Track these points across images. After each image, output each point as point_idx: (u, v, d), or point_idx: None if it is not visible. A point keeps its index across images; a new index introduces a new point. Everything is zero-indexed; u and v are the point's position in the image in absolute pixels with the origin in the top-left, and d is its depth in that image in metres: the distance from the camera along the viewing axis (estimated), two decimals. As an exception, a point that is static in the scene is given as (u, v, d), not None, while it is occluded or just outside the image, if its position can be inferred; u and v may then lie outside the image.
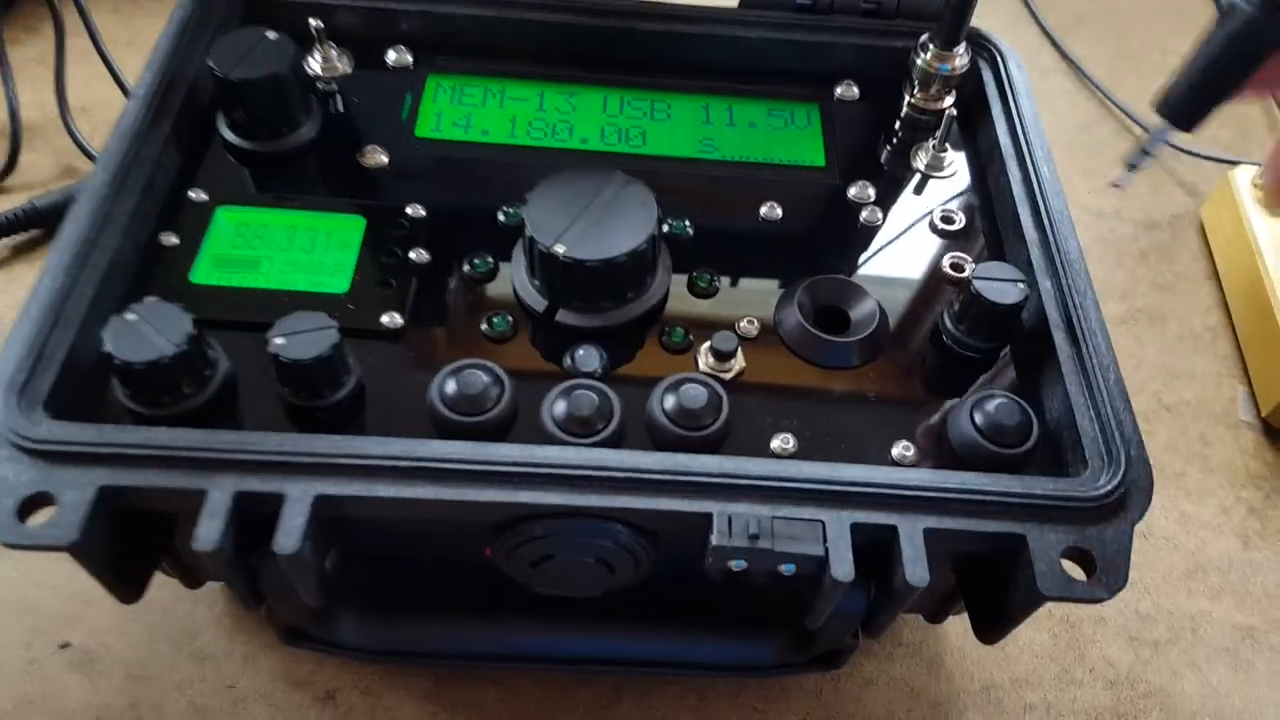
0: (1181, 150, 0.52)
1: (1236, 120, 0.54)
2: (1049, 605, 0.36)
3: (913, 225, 0.34)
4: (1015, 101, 0.35)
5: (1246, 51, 0.23)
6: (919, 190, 0.35)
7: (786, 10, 0.38)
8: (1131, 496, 0.26)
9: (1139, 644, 0.37)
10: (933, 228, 0.34)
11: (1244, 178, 0.47)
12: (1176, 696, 0.36)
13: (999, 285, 0.29)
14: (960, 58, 0.36)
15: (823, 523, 0.25)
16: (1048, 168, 0.33)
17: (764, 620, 0.31)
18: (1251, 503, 0.41)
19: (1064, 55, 0.58)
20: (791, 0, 0.38)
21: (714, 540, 0.25)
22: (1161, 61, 0.57)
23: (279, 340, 0.26)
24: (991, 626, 0.28)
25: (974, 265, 0.32)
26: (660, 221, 0.30)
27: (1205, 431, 0.43)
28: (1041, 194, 0.32)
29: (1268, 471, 0.42)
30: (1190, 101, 0.26)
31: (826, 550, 0.25)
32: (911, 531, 0.25)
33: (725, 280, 0.32)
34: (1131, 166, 0.31)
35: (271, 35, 0.33)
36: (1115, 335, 0.45)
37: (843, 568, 0.24)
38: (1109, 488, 0.26)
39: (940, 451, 0.28)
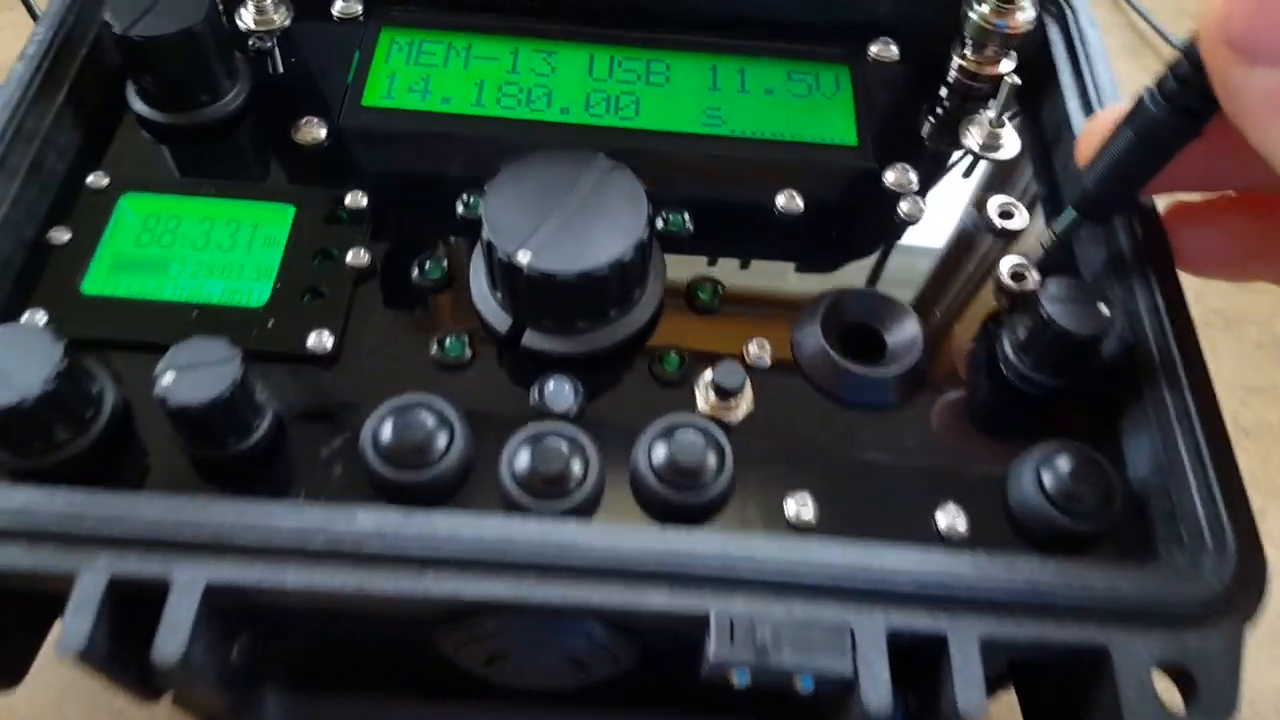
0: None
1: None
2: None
3: (964, 221, 0.28)
4: (1090, 67, 0.29)
5: (1152, 150, 0.22)
6: (969, 175, 0.29)
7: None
8: (1244, 591, 0.20)
9: None
10: (988, 225, 0.28)
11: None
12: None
13: (1076, 309, 0.23)
14: (1024, 12, 0.29)
15: (851, 629, 0.20)
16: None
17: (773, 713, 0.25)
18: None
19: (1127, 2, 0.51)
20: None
21: (712, 652, 0.19)
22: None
23: (166, 379, 0.21)
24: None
25: (1040, 277, 0.26)
26: (652, 220, 0.24)
27: (1290, 454, 0.37)
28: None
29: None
30: (1100, 196, 0.24)
31: (856, 668, 0.19)
32: (965, 642, 0.20)
33: (731, 292, 0.26)
34: (1044, 255, 0.26)
35: (186, -21, 0.27)
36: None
37: (877, 691, 0.19)
38: (1216, 583, 0.20)
39: (997, 521, 0.23)
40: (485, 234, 0.23)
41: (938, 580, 0.20)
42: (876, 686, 0.19)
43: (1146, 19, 0.51)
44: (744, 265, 0.27)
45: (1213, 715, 0.19)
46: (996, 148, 0.30)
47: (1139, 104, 0.22)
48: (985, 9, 0.29)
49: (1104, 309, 0.23)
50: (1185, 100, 0.21)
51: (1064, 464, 0.22)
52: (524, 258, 0.22)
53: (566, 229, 0.23)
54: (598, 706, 0.26)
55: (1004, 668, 0.24)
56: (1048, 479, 0.22)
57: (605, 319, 0.24)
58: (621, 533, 0.20)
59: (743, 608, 0.20)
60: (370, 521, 0.20)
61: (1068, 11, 0.30)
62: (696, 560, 0.20)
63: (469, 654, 0.21)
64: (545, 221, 0.23)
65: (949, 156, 0.30)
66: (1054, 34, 0.30)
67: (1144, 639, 0.20)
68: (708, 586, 0.20)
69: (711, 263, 0.27)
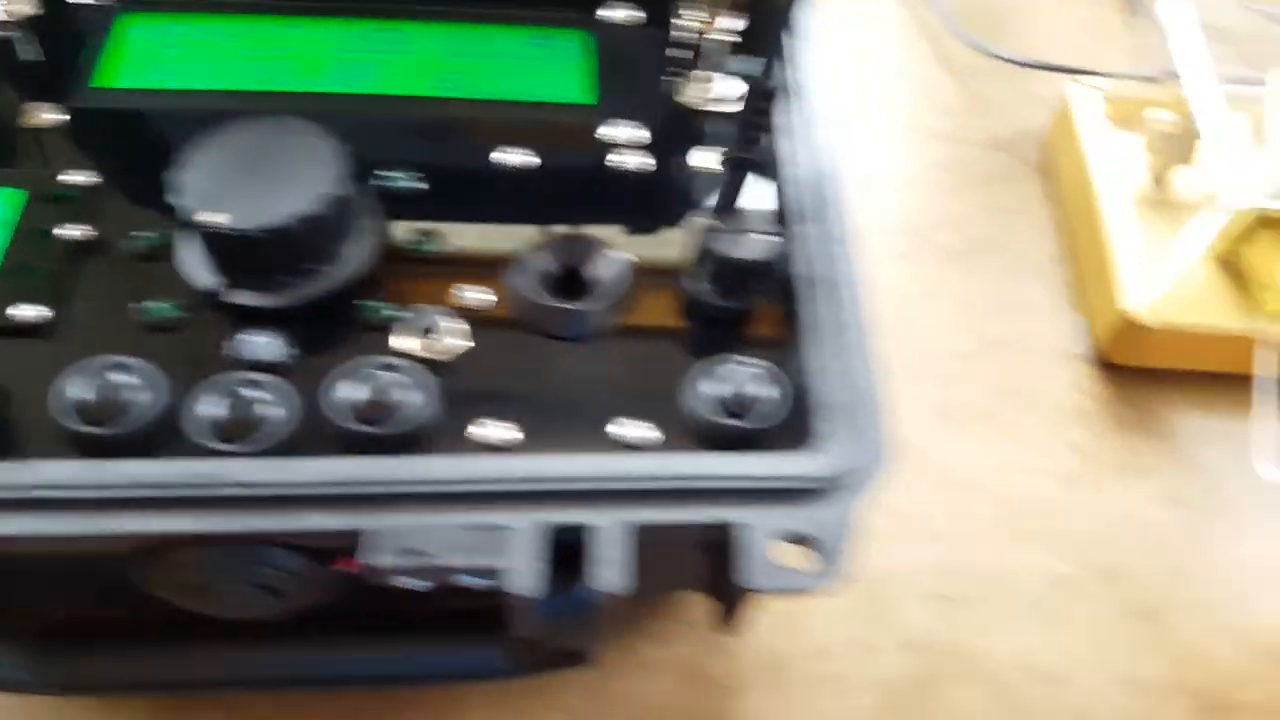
0: (1025, 65, 0.49)
1: (1092, 27, 0.51)
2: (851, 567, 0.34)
3: (685, 171, 0.30)
4: (801, 19, 0.31)
5: None
6: (696, 130, 0.31)
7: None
8: (863, 473, 0.23)
9: (944, 603, 0.34)
10: (704, 173, 0.30)
11: (1081, 91, 0.44)
12: (981, 656, 0.33)
13: (739, 237, 0.25)
14: (729, -30, 0.31)
15: (506, 529, 0.22)
16: (828, 101, 0.30)
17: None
18: (1076, 442, 0.38)
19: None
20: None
21: (367, 559, 0.21)
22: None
23: None
24: (723, 617, 0.25)
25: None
26: (348, 177, 0.26)
27: (1034, 368, 0.40)
28: (813, 132, 0.29)
29: (1097, 407, 0.39)
30: None
31: (507, 562, 0.21)
32: (608, 530, 0.22)
33: (457, 244, 0.28)
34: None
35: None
36: (947, 269, 0.43)
37: (527, 581, 0.21)
38: (832, 465, 0.23)
39: (679, 429, 0.25)
40: (173, 197, 0.24)
41: (587, 478, 0.22)
42: (527, 576, 0.21)
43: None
44: (474, 219, 0.29)
45: (827, 575, 0.22)
46: (715, 102, 0.32)
47: None
48: (695, -34, 0.31)
49: (768, 239, 0.25)
50: None
51: (728, 373, 0.24)
52: (208, 216, 0.24)
53: (254, 188, 0.25)
54: (334, 635, 0.28)
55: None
56: (715, 388, 0.24)
57: (309, 273, 0.26)
58: (288, 464, 0.22)
59: (406, 520, 0.22)
60: (57, 471, 0.21)
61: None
62: (359, 481, 0.22)
63: (175, 590, 0.23)
64: (236, 182, 0.25)
65: (675, 113, 0.32)
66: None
67: (767, 513, 0.22)
68: (367, 504, 0.22)
69: (443, 218, 0.29)
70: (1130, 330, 0.38)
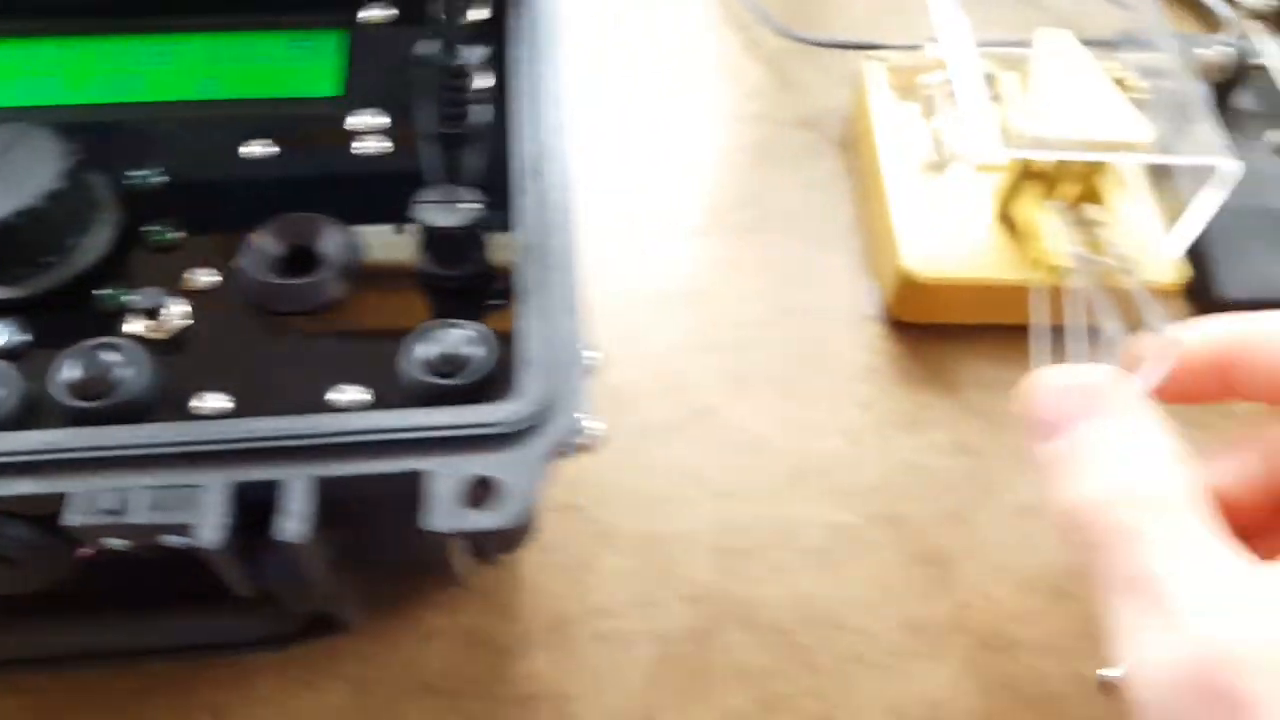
0: (827, 45, 0.51)
1: (894, 4, 0.53)
2: (633, 524, 0.35)
3: (416, 150, 0.32)
4: (536, 6, 0.33)
5: None
6: (431, 112, 0.33)
7: (296, -75, 0.35)
8: (552, 421, 0.24)
9: (727, 555, 0.36)
10: (430, 150, 0.31)
11: (873, 66, 0.46)
12: (759, 604, 0.35)
13: (442, 208, 0.27)
14: (469, -36, 0.33)
15: (197, 487, 0.23)
16: (556, 78, 0.31)
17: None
18: (862, 398, 0.40)
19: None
20: (304, -83, 0.35)
21: (66, 520, 0.22)
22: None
23: None
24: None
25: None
26: (70, 175, 0.27)
27: (827, 332, 0.42)
28: (538, 108, 0.30)
29: (884, 364, 0.41)
30: None
31: (195, 518, 0.22)
32: (299, 485, 0.23)
33: (199, 233, 0.29)
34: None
35: None
36: (748, 242, 0.45)
37: (209, 534, 0.22)
38: (521, 412, 0.24)
39: (394, 392, 0.26)
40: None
41: (275, 437, 0.23)
42: (210, 530, 0.22)
43: None
44: (214, 208, 0.30)
45: (508, 516, 0.23)
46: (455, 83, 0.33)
47: None
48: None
49: (468, 208, 0.27)
50: None
51: (436, 335, 0.26)
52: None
53: (-23, 187, 0.26)
54: (87, 612, 0.29)
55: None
56: (423, 349, 0.26)
57: (46, 265, 0.27)
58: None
59: (104, 483, 0.23)
60: None
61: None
62: (63, 449, 0.23)
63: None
64: (-41, 183, 0.26)
65: (418, 98, 0.33)
66: (511, -19, 0.34)
67: (455, 461, 0.24)
68: (70, 469, 0.23)
69: (192, 210, 0.30)
70: (911, 288, 0.40)
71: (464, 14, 0.25)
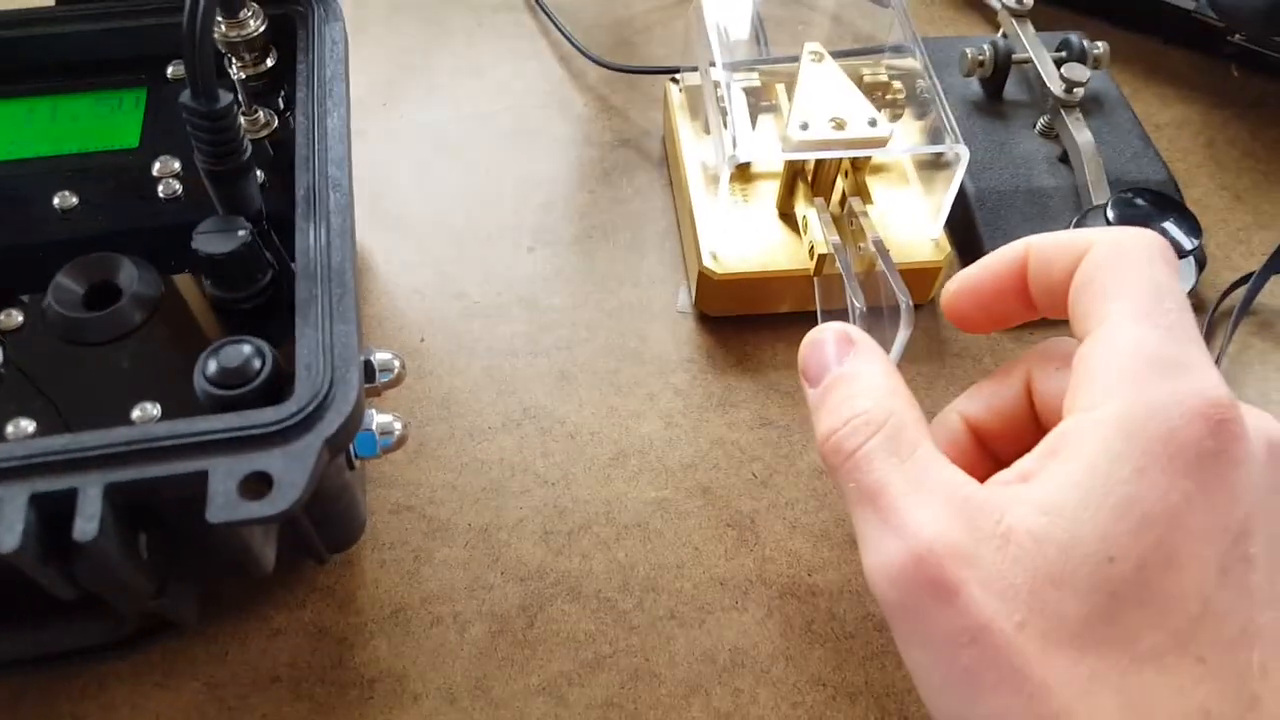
0: (639, 72, 0.55)
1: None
2: (465, 518, 0.38)
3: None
4: (318, 50, 0.37)
5: None
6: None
7: (104, 1, 0.38)
8: (322, 419, 0.28)
9: (553, 536, 0.39)
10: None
11: (675, 87, 0.50)
12: (584, 577, 0.38)
13: (216, 236, 0.30)
14: (254, 20, 0.37)
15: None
16: (336, 115, 0.35)
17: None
18: (678, 385, 0.44)
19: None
20: (109, -12, 0.38)
21: None
22: None
23: None
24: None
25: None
26: None
27: (643, 328, 0.46)
28: (320, 143, 0.34)
29: (696, 354, 0.45)
30: None
31: (-1, 527, 0.25)
32: (92, 490, 0.26)
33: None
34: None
35: None
36: (575, 254, 0.48)
37: (9, 539, 0.25)
38: (291, 411, 0.27)
39: (191, 406, 0.29)
40: None
41: (71, 450, 0.26)
42: (9, 535, 0.25)
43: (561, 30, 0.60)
44: (19, 259, 0.33)
45: (280, 504, 0.26)
46: (258, 131, 0.37)
47: None
48: (224, 28, 0.36)
49: (240, 234, 0.30)
50: None
51: (222, 351, 0.29)
52: None
53: None
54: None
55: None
56: (211, 365, 0.29)
57: None
58: None
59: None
60: None
61: (314, 8, 0.38)
62: None
63: None
64: None
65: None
66: (301, 30, 0.38)
67: (235, 458, 0.27)
68: None
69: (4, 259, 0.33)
70: (711, 285, 0.44)
71: (210, 68, 0.29)
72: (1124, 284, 0.24)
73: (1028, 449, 0.24)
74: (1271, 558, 0.22)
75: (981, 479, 0.24)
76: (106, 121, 0.37)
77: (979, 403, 0.29)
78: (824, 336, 0.29)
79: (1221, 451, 0.22)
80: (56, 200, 0.34)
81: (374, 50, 0.58)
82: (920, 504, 0.24)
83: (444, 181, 0.51)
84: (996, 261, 0.28)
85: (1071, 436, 0.23)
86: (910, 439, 0.25)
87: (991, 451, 0.29)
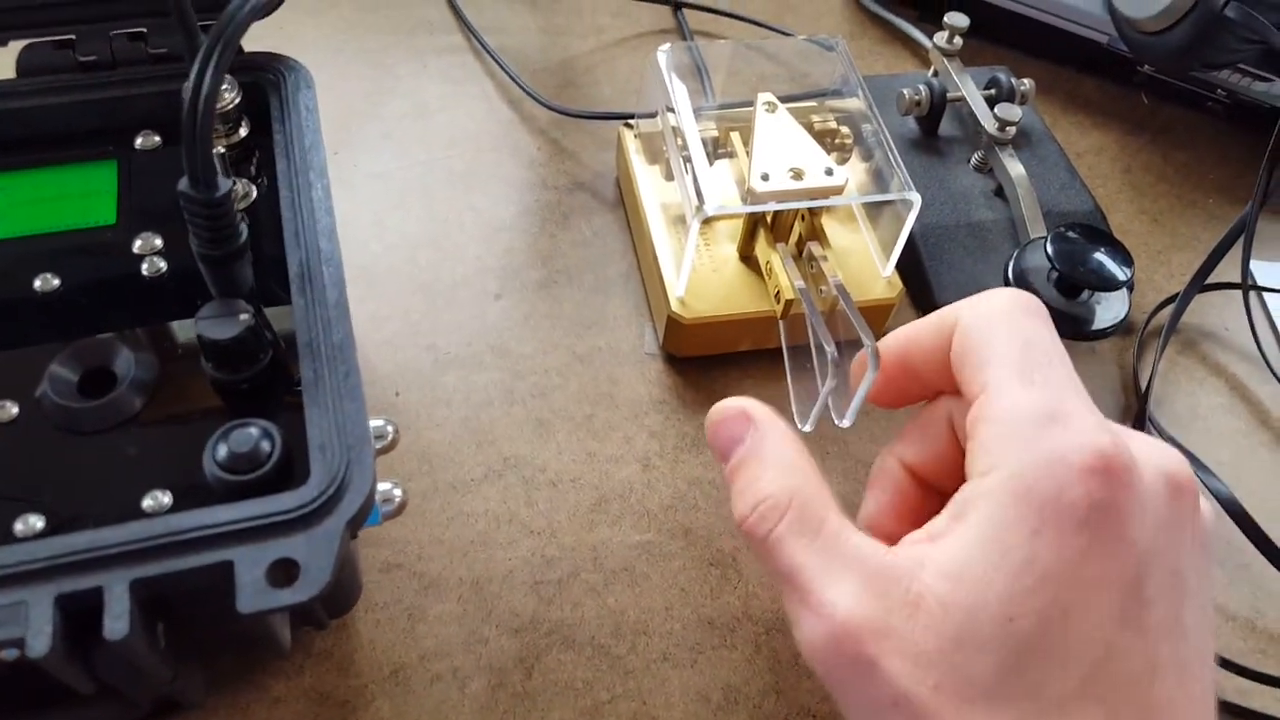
0: (592, 117, 0.56)
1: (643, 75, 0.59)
2: (456, 572, 0.39)
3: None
4: (294, 119, 0.37)
5: None
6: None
7: (68, 72, 0.38)
8: (343, 499, 0.28)
9: (543, 586, 0.40)
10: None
11: (629, 132, 0.52)
12: (577, 625, 0.39)
13: (218, 321, 0.30)
14: (229, 92, 0.37)
15: (23, 603, 0.26)
16: (320, 186, 0.35)
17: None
18: (652, 427, 0.45)
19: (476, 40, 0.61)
20: (72, 60, 0.38)
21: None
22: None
23: None
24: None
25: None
26: None
27: (614, 371, 0.47)
28: (304, 213, 0.34)
29: (667, 395, 0.47)
30: None
31: (23, 632, 0.25)
32: (115, 586, 0.26)
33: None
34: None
35: None
36: (540, 298, 0.49)
37: (39, 644, 0.25)
38: (312, 495, 0.28)
39: (201, 493, 0.29)
40: None
41: (93, 548, 0.26)
42: (39, 638, 0.25)
43: (509, 73, 0.61)
44: (17, 342, 0.33)
45: (310, 590, 0.27)
46: (242, 199, 0.37)
47: None
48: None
49: (243, 318, 0.31)
50: None
51: (230, 435, 0.29)
52: None
53: None
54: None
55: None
56: (220, 450, 0.29)
57: None
58: None
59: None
60: None
61: (284, 77, 0.38)
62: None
63: None
64: None
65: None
66: (274, 99, 0.38)
67: (259, 547, 0.27)
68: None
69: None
70: (678, 328, 0.45)
71: (211, 156, 0.29)
72: (993, 349, 0.26)
73: (965, 479, 0.26)
74: (1171, 592, 0.24)
75: (927, 516, 0.26)
76: (79, 197, 0.36)
77: (912, 446, 0.31)
78: (725, 416, 0.29)
79: (1111, 502, 0.23)
80: (38, 283, 0.34)
81: (322, 95, 0.57)
82: (833, 582, 0.25)
83: (403, 231, 0.52)
84: (891, 361, 0.31)
85: (970, 502, 0.25)
86: (816, 515, 0.26)
87: (935, 487, 0.31)
